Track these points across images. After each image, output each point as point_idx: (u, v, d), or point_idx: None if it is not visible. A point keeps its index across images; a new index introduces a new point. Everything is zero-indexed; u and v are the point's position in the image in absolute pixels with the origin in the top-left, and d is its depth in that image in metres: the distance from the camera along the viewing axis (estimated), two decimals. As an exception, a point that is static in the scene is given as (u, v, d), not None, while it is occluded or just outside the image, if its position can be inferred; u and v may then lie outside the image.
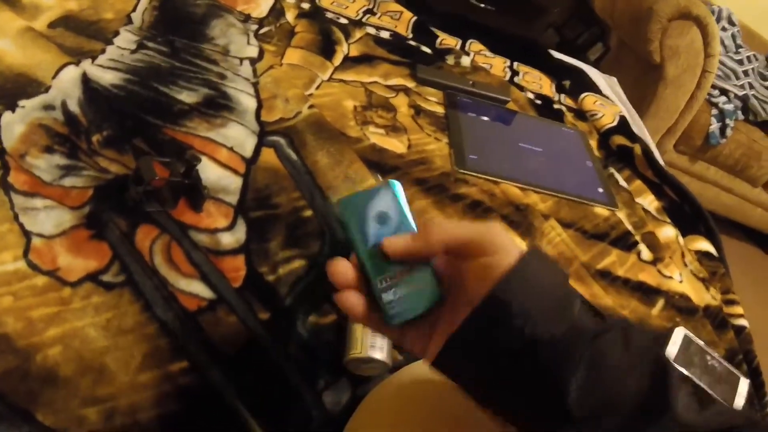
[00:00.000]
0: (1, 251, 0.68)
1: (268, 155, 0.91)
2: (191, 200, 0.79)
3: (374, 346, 0.68)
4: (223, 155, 0.87)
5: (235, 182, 0.85)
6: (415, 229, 0.51)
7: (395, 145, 1.03)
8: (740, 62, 2.80)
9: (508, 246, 0.47)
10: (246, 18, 1.20)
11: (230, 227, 0.79)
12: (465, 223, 0.49)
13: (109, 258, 0.71)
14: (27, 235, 0.70)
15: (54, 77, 0.91)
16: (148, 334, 0.66)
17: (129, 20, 1.08)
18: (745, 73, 2.78)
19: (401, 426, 0.58)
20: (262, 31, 1.18)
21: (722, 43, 2.77)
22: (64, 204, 0.74)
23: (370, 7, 1.44)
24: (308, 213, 0.85)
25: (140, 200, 0.76)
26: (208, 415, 0.63)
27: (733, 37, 2.88)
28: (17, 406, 0.58)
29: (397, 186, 0.56)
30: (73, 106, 0.87)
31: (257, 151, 0.90)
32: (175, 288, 0.70)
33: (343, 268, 0.49)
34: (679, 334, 0.89)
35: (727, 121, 2.58)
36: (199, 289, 0.71)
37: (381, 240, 0.49)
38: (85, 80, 0.92)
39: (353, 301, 0.49)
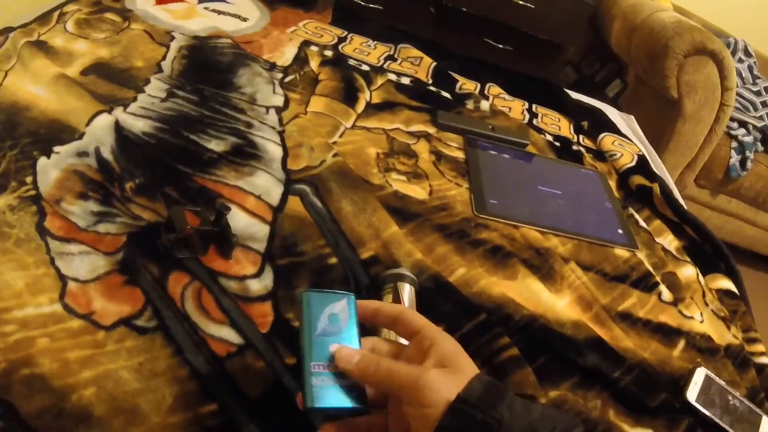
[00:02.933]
0: (37, 294, 0.70)
1: (295, 203, 0.93)
2: (220, 248, 0.82)
3: None
4: (251, 203, 0.90)
5: (262, 230, 0.87)
6: (357, 342, 0.57)
7: (417, 191, 1.06)
8: (758, 93, 2.79)
9: (437, 402, 0.51)
10: (271, 66, 1.24)
11: (258, 274, 0.81)
12: (404, 370, 0.54)
13: (142, 303, 0.73)
14: (63, 279, 0.73)
15: (88, 124, 0.94)
16: (179, 378, 0.68)
17: (159, 68, 1.12)
18: (764, 104, 2.77)
19: None
20: (287, 79, 1.21)
21: (739, 75, 2.78)
22: (98, 250, 0.77)
23: (391, 53, 1.47)
24: (333, 260, 0.87)
25: (172, 247, 0.79)
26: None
27: (750, 68, 2.88)
28: (52, 445, 0.59)
29: (354, 301, 0.60)
30: (107, 153, 0.91)
31: (284, 199, 0.93)
32: (206, 333, 0.72)
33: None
34: (700, 374, 0.90)
35: (747, 153, 2.57)
36: (228, 334, 0.73)
37: (327, 335, 0.56)
38: (118, 128, 0.95)
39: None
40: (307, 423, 0.66)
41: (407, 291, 0.80)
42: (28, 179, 0.83)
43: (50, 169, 0.86)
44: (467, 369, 0.55)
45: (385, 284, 0.82)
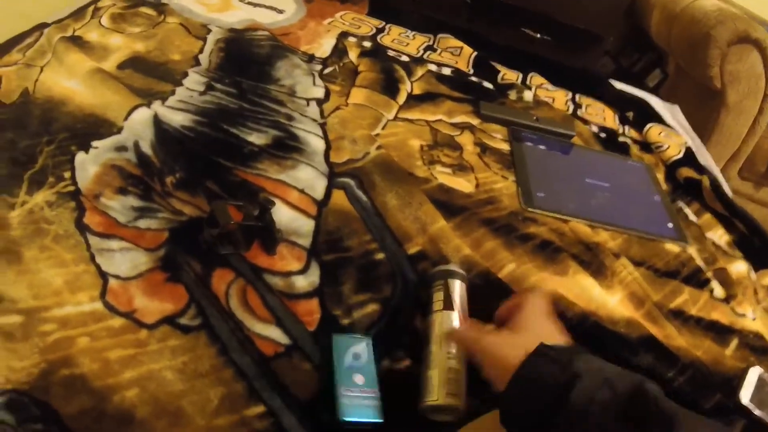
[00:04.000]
0: (77, 291, 0.69)
1: (339, 197, 0.91)
2: (264, 243, 0.80)
3: (451, 394, 0.67)
4: (295, 197, 0.88)
5: (306, 224, 0.85)
6: (375, 374, 0.70)
7: (463, 184, 1.03)
8: (803, 82, 2.71)
9: (491, 362, 0.64)
10: (310, 58, 1.22)
11: (303, 270, 0.79)
12: (467, 334, 0.71)
13: (186, 301, 0.72)
14: (103, 276, 0.72)
15: (126, 118, 0.93)
16: (224, 378, 0.66)
17: (196, 62, 1.11)
18: (808, 94, 2.69)
19: None
20: (326, 71, 1.19)
21: (784, 64, 2.70)
22: (139, 246, 0.76)
23: (431, 43, 1.45)
24: (380, 256, 0.85)
25: (215, 243, 0.77)
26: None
27: (794, 59, 2.81)
28: (93, 447, 0.58)
29: (371, 342, 0.74)
30: (146, 148, 0.89)
31: (328, 192, 0.91)
32: (252, 332, 0.70)
33: None
34: (753, 374, 0.86)
35: (791, 144, 2.51)
36: (275, 334, 0.71)
37: (351, 368, 0.70)
38: (157, 122, 0.94)
39: None
40: (356, 423, 0.66)
41: (458, 288, 0.78)
42: (66, 174, 0.82)
43: (89, 164, 0.85)
44: (540, 332, 0.65)
45: (434, 281, 0.79)
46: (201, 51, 1.14)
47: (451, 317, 0.74)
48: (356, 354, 0.71)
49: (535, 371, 0.58)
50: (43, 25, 1.12)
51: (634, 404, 0.54)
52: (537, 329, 0.67)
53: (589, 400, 0.54)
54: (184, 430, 0.61)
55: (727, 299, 1.00)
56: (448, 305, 0.75)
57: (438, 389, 0.68)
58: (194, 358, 0.67)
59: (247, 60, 1.16)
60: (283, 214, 0.85)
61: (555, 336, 0.66)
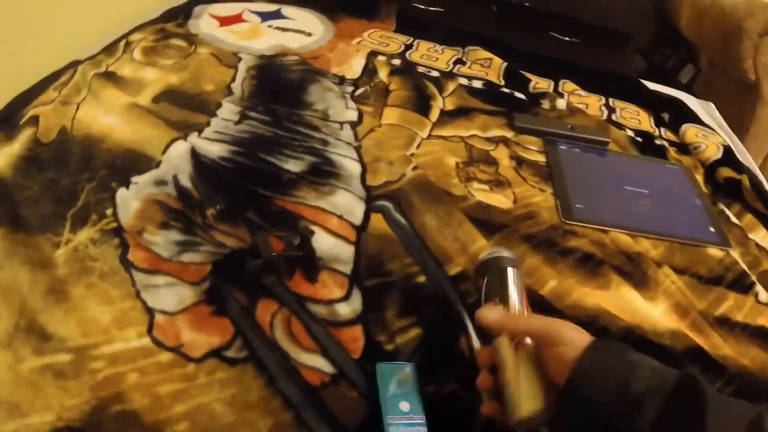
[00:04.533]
0: (125, 328, 0.70)
1: (377, 221, 0.91)
2: (306, 272, 0.80)
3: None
4: (334, 224, 0.89)
5: (347, 251, 0.85)
6: (419, 401, 0.70)
7: (501, 200, 1.03)
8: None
9: (571, 340, 0.61)
10: (341, 80, 1.23)
11: (346, 297, 0.79)
12: (541, 319, 0.68)
13: (232, 334, 0.72)
14: (150, 311, 0.73)
15: (164, 152, 0.95)
16: (272, 409, 0.66)
17: (229, 91, 1.12)
18: None
19: None
20: (357, 92, 1.20)
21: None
22: (183, 280, 0.77)
23: (460, 56, 1.44)
24: (421, 279, 0.85)
25: (258, 274, 0.78)
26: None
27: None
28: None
29: (415, 368, 0.74)
30: (185, 181, 0.90)
31: (366, 217, 0.91)
32: (297, 362, 0.71)
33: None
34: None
35: (833, 137, 2.45)
36: (320, 363, 0.71)
37: (396, 396, 0.70)
38: (194, 154, 0.95)
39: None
40: None
41: (511, 276, 0.75)
42: (109, 211, 0.84)
43: (130, 200, 0.86)
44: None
45: (485, 271, 0.76)
46: (233, 80, 1.16)
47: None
48: (401, 381, 0.71)
49: (595, 365, 0.58)
50: (76, 63, 1.14)
51: (685, 391, 0.55)
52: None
53: (647, 388, 0.55)
54: (235, 462, 0.62)
55: (774, 303, 0.98)
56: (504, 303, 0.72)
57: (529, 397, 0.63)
58: (242, 390, 0.67)
59: (279, 86, 1.17)
60: (323, 242, 0.85)
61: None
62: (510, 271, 0.75)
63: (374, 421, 0.67)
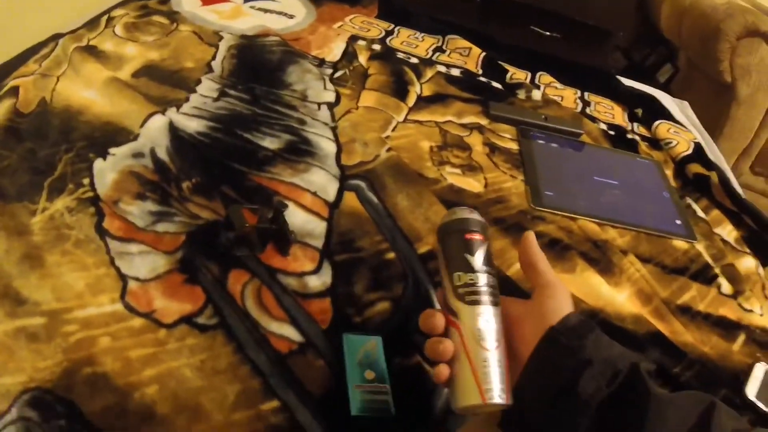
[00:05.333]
0: (98, 294, 0.71)
1: (350, 199, 0.93)
2: (279, 245, 0.82)
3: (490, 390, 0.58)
4: (308, 200, 0.90)
5: (319, 226, 0.87)
6: (386, 371, 0.72)
7: (472, 184, 1.05)
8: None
9: (553, 312, 0.60)
10: (320, 62, 1.24)
11: (316, 271, 0.81)
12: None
13: (203, 301, 0.74)
14: (123, 278, 0.74)
15: (142, 126, 0.95)
16: (240, 375, 0.68)
17: (209, 68, 1.13)
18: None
19: None
20: (336, 75, 1.21)
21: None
22: (157, 249, 0.78)
23: (440, 45, 1.46)
24: (391, 255, 0.87)
25: (231, 246, 0.79)
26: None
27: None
28: (115, 442, 0.60)
29: (381, 341, 0.75)
30: (162, 154, 0.91)
31: (339, 195, 0.93)
32: (267, 330, 0.72)
33: (435, 319, 0.62)
34: (760, 370, 0.87)
35: (804, 138, 2.50)
36: (289, 332, 0.73)
37: (362, 365, 0.71)
38: (172, 129, 0.96)
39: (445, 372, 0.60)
40: (369, 418, 0.68)
41: (478, 244, 0.64)
42: (85, 181, 0.85)
43: (107, 171, 0.87)
44: (555, 302, 0.62)
45: (446, 236, 0.65)
46: (214, 58, 1.17)
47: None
48: (367, 351, 0.73)
49: (547, 361, 0.58)
50: (57, 36, 1.14)
51: (628, 392, 0.55)
52: (551, 297, 0.62)
53: (596, 389, 0.55)
54: (202, 425, 0.63)
55: (735, 295, 1.01)
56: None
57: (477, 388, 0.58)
58: (212, 356, 0.69)
59: (259, 66, 1.18)
60: (296, 217, 0.87)
61: (567, 303, 0.63)
62: (476, 236, 0.64)
63: (340, 389, 0.69)
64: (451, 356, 0.60)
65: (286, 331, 0.73)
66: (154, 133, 0.95)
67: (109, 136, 0.93)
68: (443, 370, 0.59)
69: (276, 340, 0.72)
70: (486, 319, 0.60)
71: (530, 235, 0.67)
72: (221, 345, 0.70)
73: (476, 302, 0.60)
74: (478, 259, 0.63)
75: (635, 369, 0.57)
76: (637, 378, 0.56)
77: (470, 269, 0.62)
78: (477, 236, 0.64)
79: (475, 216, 0.66)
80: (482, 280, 0.62)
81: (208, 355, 0.69)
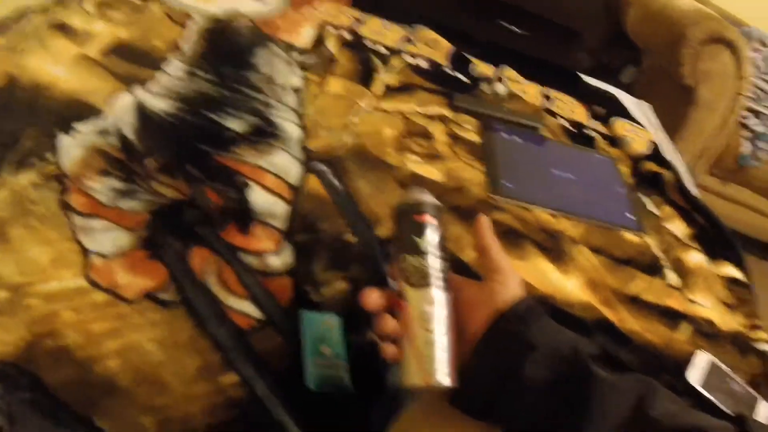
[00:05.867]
0: (61, 268, 0.73)
1: (313, 182, 0.95)
2: (239, 224, 0.83)
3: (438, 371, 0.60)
4: (271, 181, 0.92)
5: (282, 208, 0.89)
6: (343, 348, 0.74)
7: (433, 172, 1.07)
8: (773, 83, 2.77)
9: (510, 291, 0.63)
10: (289, 47, 1.25)
11: (277, 250, 0.83)
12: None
13: (165, 277, 0.75)
14: (87, 253, 0.75)
15: (108, 103, 0.96)
16: (201, 349, 0.70)
17: (178, 49, 1.13)
18: (778, 94, 2.75)
19: None
20: (304, 60, 1.23)
21: (755, 64, 2.76)
22: (121, 225, 0.79)
23: (408, 35, 1.48)
24: (351, 238, 0.89)
25: (193, 224, 0.81)
26: (256, 426, 0.67)
27: (766, 58, 2.86)
28: (77, 413, 0.62)
29: (339, 319, 0.77)
30: (128, 132, 0.92)
31: (303, 178, 0.95)
32: (227, 306, 0.74)
33: (375, 297, 0.65)
34: (702, 359, 0.91)
35: (760, 143, 2.57)
36: (249, 309, 0.75)
37: (321, 340, 0.73)
38: (139, 107, 0.97)
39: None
40: (326, 394, 0.70)
41: (430, 228, 0.65)
42: (50, 156, 0.85)
43: (72, 147, 0.87)
44: (504, 284, 0.65)
45: (401, 219, 0.66)
46: (183, 38, 1.17)
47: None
48: (325, 328, 0.75)
49: (493, 345, 0.60)
50: (26, 11, 1.13)
51: (571, 375, 0.58)
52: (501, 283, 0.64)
53: (540, 374, 0.57)
54: (163, 398, 0.65)
55: (682, 287, 1.05)
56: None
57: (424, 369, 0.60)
58: (173, 330, 0.71)
59: (227, 48, 1.18)
60: (259, 197, 0.88)
61: (517, 289, 0.64)
62: (428, 219, 0.65)
63: (298, 364, 0.71)
64: (395, 336, 0.61)
65: (246, 308, 0.75)
66: (120, 111, 0.95)
67: (75, 112, 0.93)
68: (389, 349, 0.62)
69: (236, 316, 0.74)
70: (431, 302, 0.61)
71: (483, 219, 0.68)
72: (182, 320, 0.72)
73: (422, 285, 0.61)
74: (426, 241, 0.63)
75: (577, 353, 0.59)
76: (578, 361, 0.58)
77: (418, 251, 0.63)
78: (427, 218, 0.64)
79: (427, 198, 0.66)
80: (429, 262, 0.62)
81: (169, 329, 0.71)
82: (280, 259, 0.82)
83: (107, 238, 0.77)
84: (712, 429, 0.58)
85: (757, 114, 2.62)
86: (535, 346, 0.58)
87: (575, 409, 0.56)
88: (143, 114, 0.96)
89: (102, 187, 0.83)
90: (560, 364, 0.58)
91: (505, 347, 0.59)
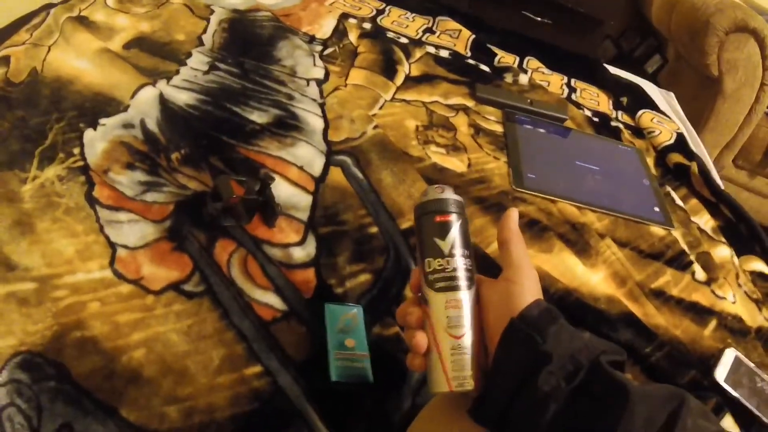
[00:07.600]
0: (87, 260, 0.73)
1: (336, 174, 0.95)
2: (265, 216, 0.84)
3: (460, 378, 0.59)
4: (294, 174, 0.92)
5: (305, 200, 0.89)
6: (365, 339, 0.74)
7: (455, 164, 1.07)
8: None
9: (519, 300, 0.58)
10: (310, 39, 1.25)
11: (301, 242, 0.83)
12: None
13: (190, 269, 0.76)
14: (112, 246, 0.75)
15: (132, 97, 0.96)
16: (225, 340, 0.70)
17: (200, 42, 1.14)
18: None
19: None
20: (326, 52, 1.22)
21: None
22: (146, 218, 0.80)
23: (430, 26, 1.47)
24: (374, 230, 0.89)
25: (218, 216, 0.81)
26: (278, 416, 0.67)
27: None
28: (103, 403, 0.62)
29: (362, 310, 0.78)
30: (152, 125, 0.93)
31: (325, 170, 0.95)
32: (251, 298, 0.75)
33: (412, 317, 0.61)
34: (729, 355, 0.90)
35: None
36: (273, 300, 0.75)
37: (343, 332, 0.74)
38: (162, 100, 0.97)
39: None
40: (347, 384, 0.70)
41: (456, 225, 0.62)
42: (76, 150, 0.86)
43: (97, 141, 0.88)
44: (522, 286, 0.60)
45: (423, 216, 0.63)
46: (205, 31, 1.17)
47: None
48: (347, 321, 0.76)
49: (508, 354, 0.57)
50: (49, 6, 1.14)
51: (591, 383, 0.55)
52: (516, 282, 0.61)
53: (555, 385, 0.54)
54: (187, 388, 0.65)
55: (709, 282, 1.04)
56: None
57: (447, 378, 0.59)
58: (198, 321, 0.71)
59: (249, 40, 1.18)
60: (282, 190, 0.89)
61: (534, 289, 0.61)
62: (450, 218, 0.62)
63: (321, 356, 0.71)
64: (424, 348, 0.59)
65: (270, 299, 0.75)
66: (144, 104, 0.96)
67: (99, 106, 0.94)
68: (414, 360, 0.60)
69: (260, 308, 0.74)
70: (455, 306, 0.59)
71: (513, 212, 0.65)
72: (207, 311, 0.72)
73: (445, 289, 0.60)
74: (449, 242, 0.61)
75: (597, 365, 0.55)
76: (600, 372, 0.55)
77: (440, 254, 0.60)
78: (448, 218, 0.62)
79: (448, 195, 0.63)
80: (453, 264, 0.60)
81: (194, 320, 0.71)
82: (303, 250, 0.82)
83: (132, 230, 0.78)
84: None
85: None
86: (550, 355, 0.55)
87: (603, 421, 0.54)
88: (166, 107, 0.96)
89: (127, 179, 0.84)
90: (577, 375, 0.55)
91: (518, 357, 0.57)
